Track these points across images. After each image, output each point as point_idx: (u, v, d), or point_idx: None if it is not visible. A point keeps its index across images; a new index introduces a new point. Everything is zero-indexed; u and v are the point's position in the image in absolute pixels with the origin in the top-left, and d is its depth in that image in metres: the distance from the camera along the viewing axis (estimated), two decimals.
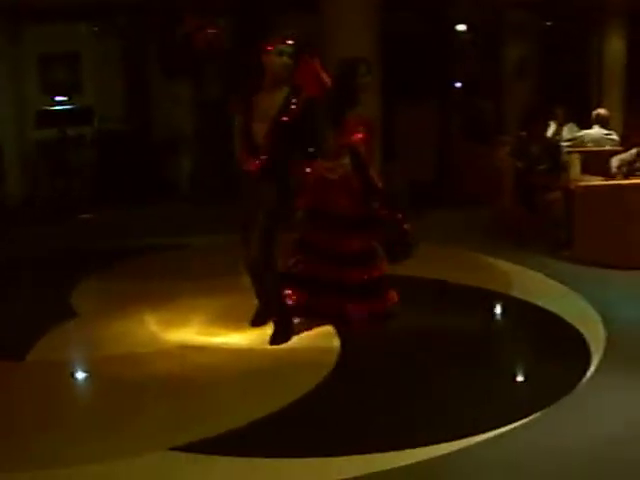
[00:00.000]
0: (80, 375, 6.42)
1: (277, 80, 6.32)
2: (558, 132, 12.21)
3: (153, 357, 6.35)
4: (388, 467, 4.43)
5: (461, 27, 16.25)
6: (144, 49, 15.25)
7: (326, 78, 6.82)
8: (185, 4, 13.66)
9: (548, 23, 17.80)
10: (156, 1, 13.46)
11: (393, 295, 6.76)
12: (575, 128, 12.32)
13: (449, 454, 4.56)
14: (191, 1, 13.63)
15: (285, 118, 6.25)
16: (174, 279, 8.58)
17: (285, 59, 6.28)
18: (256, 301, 6.85)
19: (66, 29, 14.63)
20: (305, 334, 6.61)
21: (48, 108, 14.49)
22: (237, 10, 14.27)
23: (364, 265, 6.67)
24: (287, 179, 6.43)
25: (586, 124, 12.09)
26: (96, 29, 14.93)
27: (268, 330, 6.62)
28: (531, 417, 5.00)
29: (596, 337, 6.43)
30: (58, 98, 14.69)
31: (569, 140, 11.89)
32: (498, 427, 4.83)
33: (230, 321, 7.03)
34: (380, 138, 12.25)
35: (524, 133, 10.28)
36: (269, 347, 6.43)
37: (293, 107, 6.26)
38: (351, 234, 6.65)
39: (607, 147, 11.45)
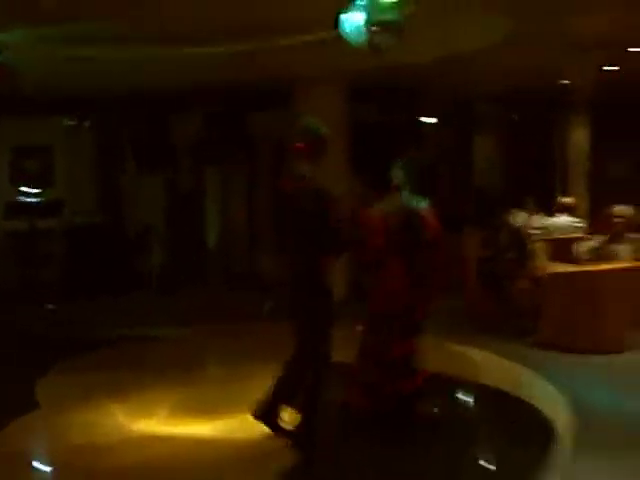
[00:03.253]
0: (44, 464, 6.34)
1: None
2: (527, 221, 12.37)
3: (119, 446, 6.30)
4: None
5: (429, 119, 16.53)
6: (117, 143, 15.41)
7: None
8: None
9: (514, 116, 18.20)
10: (130, 97, 13.65)
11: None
12: (544, 217, 12.48)
13: None
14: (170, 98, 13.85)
15: None
16: (142, 370, 8.56)
17: None
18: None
19: (40, 122, 14.75)
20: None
21: (18, 200, 14.56)
22: (216, 106, 14.50)
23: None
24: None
25: (551, 212, 12.27)
26: (71, 123, 15.07)
27: (234, 420, 6.61)
28: None
29: (564, 422, 6.44)
30: (29, 190, 14.76)
31: (537, 228, 12.03)
32: None
33: (196, 411, 7.01)
34: None
35: (496, 221, 10.43)
36: (233, 437, 6.39)
37: None
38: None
39: (574, 235, 11.60)
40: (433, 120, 16.59)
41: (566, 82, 14.61)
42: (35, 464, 6.28)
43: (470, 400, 7.82)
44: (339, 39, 7.21)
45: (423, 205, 6.62)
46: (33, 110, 13.92)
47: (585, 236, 11.24)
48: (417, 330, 6.63)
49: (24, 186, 14.77)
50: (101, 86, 12.68)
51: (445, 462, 5.81)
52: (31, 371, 8.48)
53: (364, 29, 6.89)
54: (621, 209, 10.23)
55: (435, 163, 14.65)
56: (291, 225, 6.11)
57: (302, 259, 6.05)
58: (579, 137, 16.33)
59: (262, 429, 6.38)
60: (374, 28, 6.90)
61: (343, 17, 6.99)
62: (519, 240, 10.39)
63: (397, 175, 6.69)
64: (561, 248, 10.54)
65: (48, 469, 6.30)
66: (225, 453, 6.13)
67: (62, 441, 6.58)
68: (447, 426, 6.68)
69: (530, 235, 11.01)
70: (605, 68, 12.74)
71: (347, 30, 7.02)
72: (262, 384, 6.66)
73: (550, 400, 7.06)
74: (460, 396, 7.79)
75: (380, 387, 6.49)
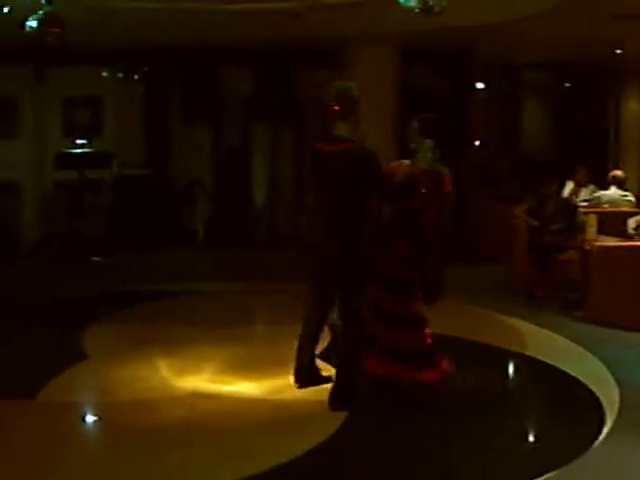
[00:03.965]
0: (89, 419, 6.39)
1: None
2: (575, 192, 12.22)
3: (164, 404, 6.32)
4: None
5: (479, 85, 16.32)
6: (166, 94, 15.35)
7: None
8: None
9: (567, 84, 17.90)
10: (180, 49, 13.57)
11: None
12: (594, 189, 12.30)
13: None
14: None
15: None
16: (188, 325, 8.55)
17: None
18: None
19: (90, 73, 14.74)
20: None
21: (68, 150, 14.58)
22: (267, 62, 14.40)
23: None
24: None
25: (603, 185, 12.08)
26: (120, 75, 15.06)
27: (280, 380, 6.61)
28: (544, 477, 4.92)
29: (610, 399, 6.35)
30: (79, 141, 14.78)
31: (586, 201, 11.88)
32: None
33: (242, 370, 7.01)
34: None
35: (543, 191, 10.28)
36: (282, 397, 6.38)
37: None
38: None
39: (624, 208, 11.42)
40: (481, 86, 16.37)
41: (620, 51, 14.30)
42: (81, 418, 6.31)
43: (516, 373, 7.75)
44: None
45: (441, 168, 6.57)
46: (83, 61, 13.91)
47: (635, 210, 11.08)
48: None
49: (74, 137, 14.80)
50: (151, 38, 12.59)
51: (486, 437, 5.74)
52: (78, 323, 8.54)
53: None
54: None
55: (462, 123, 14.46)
56: (330, 188, 6.13)
57: (343, 220, 6.08)
58: (632, 108, 16.03)
59: (309, 390, 6.40)
60: None
61: None
62: (567, 211, 10.24)
63: (412, 137, 6.66)
64: (611, 221, 10.38)
65: (93, 424, 6.33)
66: (271, 414, 6.12)
67: (108, 395, 6.61)
68: (492, 399, 6.60)
69: (579, 206, 10.86)
70: None
71: None
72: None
73: (597, 376, 6.96)
74: (506, 368, 7.72)
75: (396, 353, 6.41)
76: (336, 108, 6.17)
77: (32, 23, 8.50)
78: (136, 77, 15.35)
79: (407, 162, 6.54)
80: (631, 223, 10.00)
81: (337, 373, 6.29)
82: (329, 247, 6.15)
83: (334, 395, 6.14)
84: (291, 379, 6.49)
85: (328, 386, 6.28)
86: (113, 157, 14.69)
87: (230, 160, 15.07)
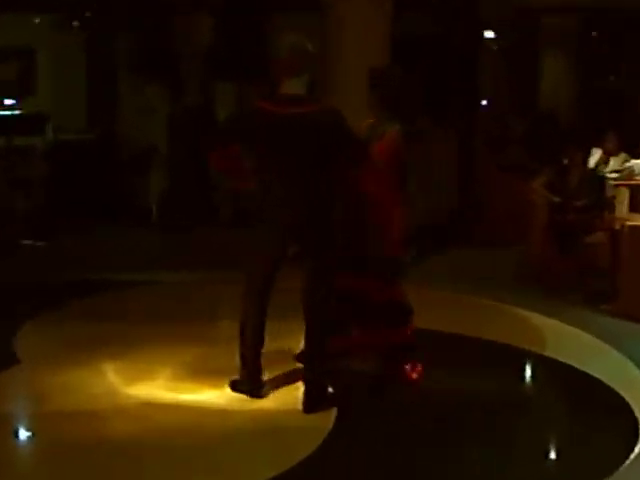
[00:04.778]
0: (21, 433, 6.38)
1: None
2: (604, 161, 12.25)
3: (111, 415, 6.32)
4: None
5: (489, 33, 16.36)
6: (112, 45, 15.29)
7: None
8: None
9: (594, 33, 17.93)
10: None
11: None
12: (626, 158, 12.32)
13: None
14: None
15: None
16: (139, 323, 8.57)
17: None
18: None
19: (18, 20, 14.66)
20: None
21: None
22: (228, 5, 14.36)
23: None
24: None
25: (636, 154, 12.12)
26: (56, 22, 15.00)
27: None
28: None
29: None
30: (6, 102, 14.73)
31: (616, 172, 11.92)
32: None
33: (203, 375, 7.02)
34: None
35: (564, 161, 10.32)
36: (250, 407, 6.41)
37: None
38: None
39: None
40: (491, 34, 16.43)
41: None
42: (12, 432, 6.29)
43: (533, 376, 7.81)
44: None
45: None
46: (10, 6, 13.83)
47: None
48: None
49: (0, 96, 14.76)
50: None
51: (501, 454, 5.81)
52: (8, 321, 8.51)
53: None
54: None
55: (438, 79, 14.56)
56: (285, 159, 6.27)
57: (306, 193, 6.28)
58: None
59: (279, 397, 6.51)
60: None
61: None
62: (594, 184, 10.30)
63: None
64: None
65: (26, 439, 6.32)
66: (239, 426, 6.14)
67: (44, 405, 6.58)
68: (506, 408, 6.65)
69: (608, 179, 10.91)
70: None
71: None
72: (283, 343, 7.00)
73: (629, 380, 7.04)
74: (521, 371, 7.77)
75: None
76: (280, 60, 6.35)
77: None
78: (75, 24, 15.28)
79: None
80: None
81: (305, 371, 6.49)
82: (287, 221, 6.31)
83: (306, 395, 6.33)
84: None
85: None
86: (47, 120, 14.65)
87: (189, 123, 15.03)
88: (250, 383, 6.54)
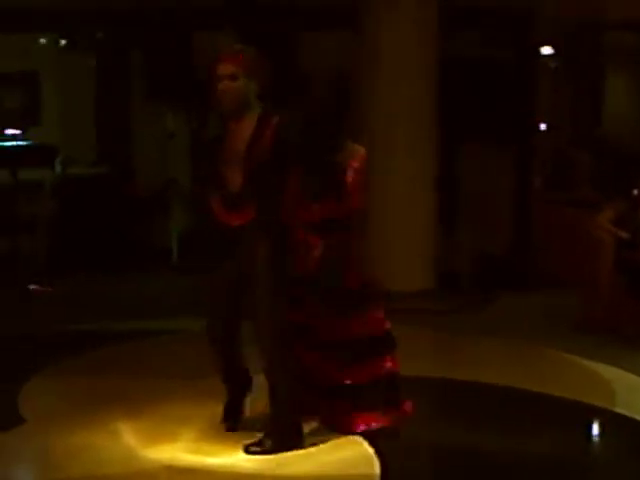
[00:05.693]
0: None
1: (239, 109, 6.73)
2: None
3: None
4: None
5: (547, 51, 16.35)
6: (125, 68, 15.39)
7: None
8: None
9: None
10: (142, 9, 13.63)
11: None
12: None
13: None
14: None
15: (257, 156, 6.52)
16: (157, 377, 8.59)
17: (240, 82, 6.62)
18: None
19: (22, 41, 14.79)
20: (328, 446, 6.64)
21: None
22: (245, 25, 14.45)
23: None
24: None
25: None
26: (62, 42, 15.11)
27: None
28: None
29: None
30: (9, 132, 14.83)
31: None
32: None
33: (231, 435, 7.01)
34: (437, 197, 12.40)
35: (633, 192, 10.31)
36: (288, 471, 6.40)
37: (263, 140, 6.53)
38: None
39: None
40: (550, 51, 16.43)
41: None
42: None
43: (603, 436, 7.74)
44: None
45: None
46: (14, 26, 13.95)
47: None
48: None
49: (2, 127, 14.84)
50: None
51: None
52: (11, 375, 8.55)
53: None
54: None
55: None
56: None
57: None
58: None
59: (319, 460, 6.48)
60: None
61: None
62: None
63: None
64: None
65: None
66: None
67: (52, 471, 6.58)
68: (569, 472, 6.60)
69: None
70: None
71: None
72: None
73: None
74: (589, 430, 7.72)
75: None
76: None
77: None
78: (85, 46, 15.39)
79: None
80: None
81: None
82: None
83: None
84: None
85: (347, 457, 6.41)
86: (55, 152, 14.73)
87: (213, 154, 15.06)
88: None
